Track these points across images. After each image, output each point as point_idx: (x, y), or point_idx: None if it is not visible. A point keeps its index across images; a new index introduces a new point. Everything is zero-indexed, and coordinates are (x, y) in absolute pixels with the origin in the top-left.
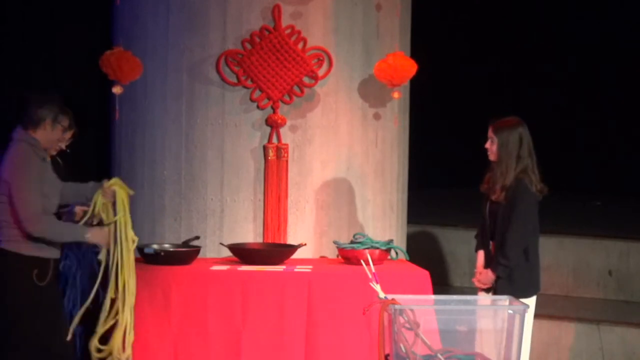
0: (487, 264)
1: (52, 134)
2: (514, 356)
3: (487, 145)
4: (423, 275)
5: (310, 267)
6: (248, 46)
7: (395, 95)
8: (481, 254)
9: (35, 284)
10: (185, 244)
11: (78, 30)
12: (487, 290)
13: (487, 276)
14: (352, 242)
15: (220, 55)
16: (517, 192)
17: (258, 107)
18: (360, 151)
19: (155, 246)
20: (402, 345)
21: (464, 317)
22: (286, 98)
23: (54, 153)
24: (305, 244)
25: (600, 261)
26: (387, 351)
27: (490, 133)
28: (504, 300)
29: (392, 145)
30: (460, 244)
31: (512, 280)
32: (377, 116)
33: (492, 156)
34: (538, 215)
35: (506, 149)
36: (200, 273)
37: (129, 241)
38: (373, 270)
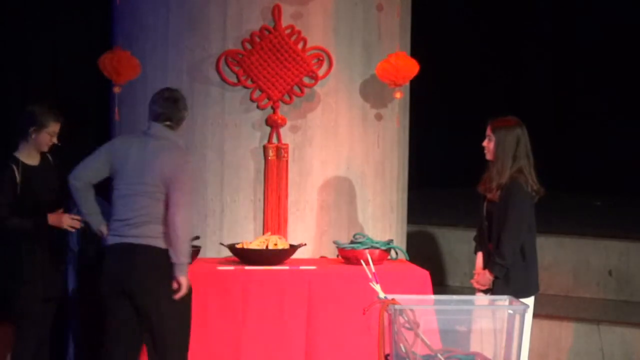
0: (486, 266)
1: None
2: (514, 356)
3: (485, 143)
4: (423, 275)
5: (315, 266)
6: (248, 46)
7: (398, 95)
8: (480, 256)
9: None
10: None
11: (78, 30)
12: (485, 292)
13: (485, 277)
14: (352, 242)
15: (220, 55)
16: (511, 191)
17: (258, 107)
18: (360, 151)
19: None
20: (402, 345)
21: (464, 317)
22: (286, 98)
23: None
24: (305, 244)
25: (600, 261)
26: (387, 351)
27: (488, 132)
28: (504, 300)
29: (392, 146)
30: (460, 244)
31: (509, 280)
32: (377, 116)
33: (489, 155)
34: (536, 215)
35: (503, 148)
36: (200, 273)
37: None
38: (373, 270)
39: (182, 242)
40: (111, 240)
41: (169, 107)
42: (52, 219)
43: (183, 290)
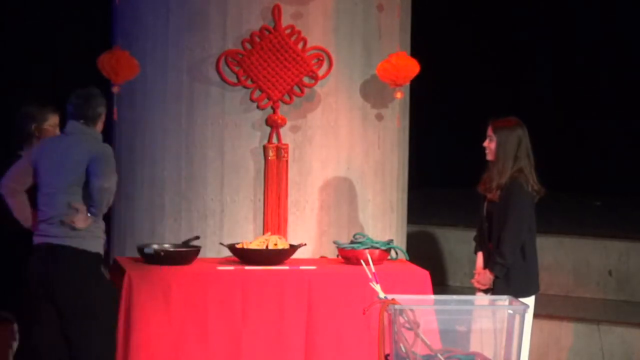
0: (486, 265)
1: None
2: (514, 356)
3: (486, 143)
4: (423, 275)
5: (315, 266)
6: (248, 46)
7: (398, 95)
8: (480, 256)
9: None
10: (185, 244)
11: (78, 30)
12: (485, 292)
13: (485, 277)
14: (352, 242)
15: (220, 55)
16: (511, 190)
17: (258, 107)
18: (360, 151)
19: (155, 246)
20: (402, 345)
21: (464, 317)
22: (286, 98)
23: None
24: (305, 244)
25: (600, 261)
26: (387, 351)
27: (489, 132)
28: (504, 300)
29: (392, 146)
30: (460, 244)
31: (510, 280)
32: (378, 116)
33: (490, 155)
34: (536, 215)
35: (504, 149)
36: (200, 273)
37: None
38: (373, 270)
39: (100, 203)
40: (36, 239)
41: (81, 105)
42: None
43: (79, 213)
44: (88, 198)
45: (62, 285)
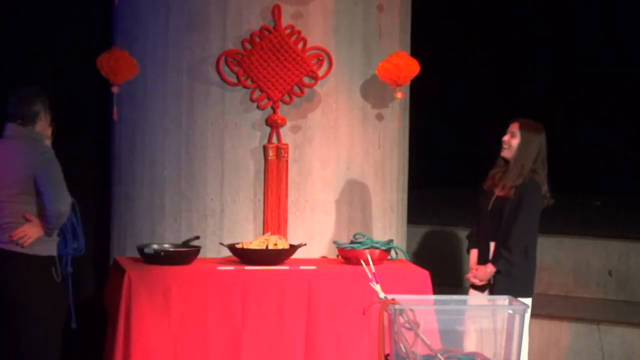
0: (481, 263)
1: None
2: (514, 356)
3: (506, 138)
4: (423, 275)
5: (315, 266)
6: (248, 46)
7: (399, 95)
8: (474, 253)
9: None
10: (185, 244)
11: (78, 30)
12: (481, 289)
13: (484, 272)
14: (352, 242)
15: (220, 55)
16: (528, 188)
17: (258, 107)
18: (360, 151)
19: (155, 246)
20: (402, 345)
21: (464, 317)
22: (286, 98)
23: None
24: (305, 244)
25: (600, 261)
26: (387, 351)
27: (513, 128)
28: (504, 300)
29: (392, 145)
30: (461, 244)
31: (511, 277)
32: (378, 116)
33: (508, 152)
34: (539, 216)
35: (527, 149)
36: (200, 273)
37: None
38: (373, 270)
39: (57, 225)
40: None
41: (15, 105)
42: None
43: (32, 225)
44: (43, 217)
45: (11, 290)
